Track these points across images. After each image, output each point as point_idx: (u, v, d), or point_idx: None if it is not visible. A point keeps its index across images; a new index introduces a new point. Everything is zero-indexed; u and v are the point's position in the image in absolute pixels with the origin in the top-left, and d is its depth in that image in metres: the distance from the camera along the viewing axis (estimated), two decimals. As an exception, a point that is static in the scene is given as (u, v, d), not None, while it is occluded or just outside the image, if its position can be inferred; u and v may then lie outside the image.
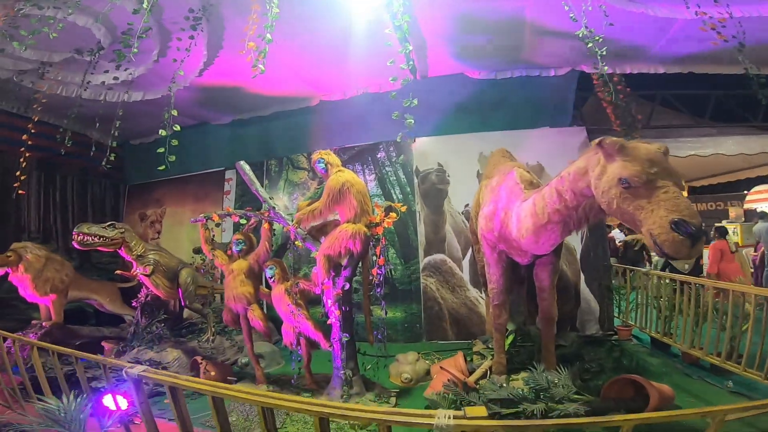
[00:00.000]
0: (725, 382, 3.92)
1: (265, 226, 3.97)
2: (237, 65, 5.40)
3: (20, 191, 4.72)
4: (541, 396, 3.38)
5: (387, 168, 6.20)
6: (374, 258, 3.69)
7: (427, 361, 4.74)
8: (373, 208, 3.78)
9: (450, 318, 5.91)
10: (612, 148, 2.47)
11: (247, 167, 4.05)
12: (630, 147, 2.45)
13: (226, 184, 7.14)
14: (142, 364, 2.05)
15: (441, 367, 4.08)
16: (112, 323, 6.00)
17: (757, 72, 4.64)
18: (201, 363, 4.15)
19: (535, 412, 3.17)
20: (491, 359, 4.30)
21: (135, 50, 3.53)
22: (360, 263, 3.81)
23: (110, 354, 4.77)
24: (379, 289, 3.70)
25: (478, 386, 3.74)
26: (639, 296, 5.56)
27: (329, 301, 3.66)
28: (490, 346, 4.89)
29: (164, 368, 4.34)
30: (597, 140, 2.52)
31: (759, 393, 3.65)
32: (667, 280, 5.01)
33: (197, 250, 6.41)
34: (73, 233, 4.34)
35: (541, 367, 3.65)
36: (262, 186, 6.78)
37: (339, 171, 3.75)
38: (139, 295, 5.21)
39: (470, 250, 5.94)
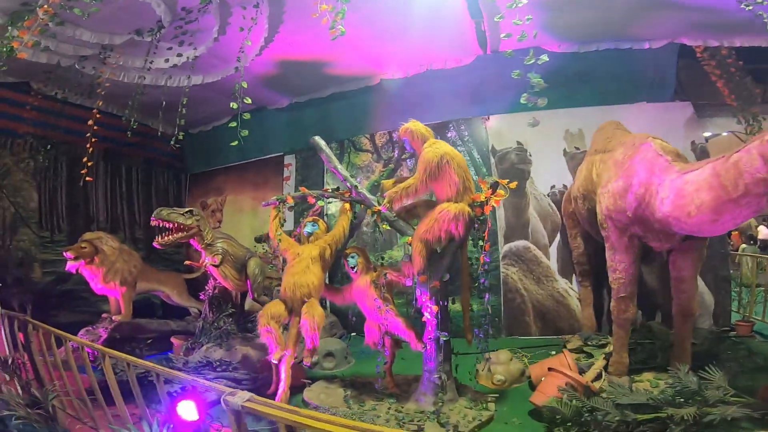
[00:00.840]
0: None
1: (345, 206, 3.39)
2: (297, 41, 4.93)
3: (88, 178, 4.44)
4: (689, 400, 2.72)
5: (459, 148, 5.51)
6: (479, 243, 3.05)
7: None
8: (476, 185, 3.13)
9: (534, 311, 5.18)
10: None
11: (322, 143, 3.50)
12: None
13: (286, 169, 6.74)
14: (242, 393, 1.47)
15: (550, 369, 3.42)
16: (178, 315, 5.71)
17: None
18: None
19: (685, 418, 2.55)
20: (603, 358, 3.61)
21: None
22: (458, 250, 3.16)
23: (179, 351, 4.41)
24: (483, 280, 3.06)
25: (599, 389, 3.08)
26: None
27: (425, 295, 3.05)
28: (592, 343, 4.21)
29: (234, 368, 3.91)
30: None
31: None
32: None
33: (260, 239, 6.01)
34: (152, 220, 3.88)
35: (686, 367, 2.95)
36: (326, 171, 6.39)
37: (434, 143, 3.13)
38: (207, 287, 4.81)
39: (558, 236, 5.16)
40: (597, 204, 3.36)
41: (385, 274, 3.28)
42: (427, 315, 3.06)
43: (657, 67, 5.05)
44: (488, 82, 5.30)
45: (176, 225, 3.96)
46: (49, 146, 5.66)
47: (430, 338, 3.12)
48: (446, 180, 3.02)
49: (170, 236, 3.96)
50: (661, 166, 2.80)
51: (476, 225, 3.05)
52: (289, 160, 6.73)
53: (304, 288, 3.25)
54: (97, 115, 4.59)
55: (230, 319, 4.63)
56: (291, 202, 3.54)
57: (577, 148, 5.11)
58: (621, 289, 3.26)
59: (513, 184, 3.02)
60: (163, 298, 5.78)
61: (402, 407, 3.26)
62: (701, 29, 4.73)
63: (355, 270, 3.34)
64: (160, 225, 3.92)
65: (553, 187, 5.24)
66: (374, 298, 3.23)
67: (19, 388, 2.59)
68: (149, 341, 4.30)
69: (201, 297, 4.84)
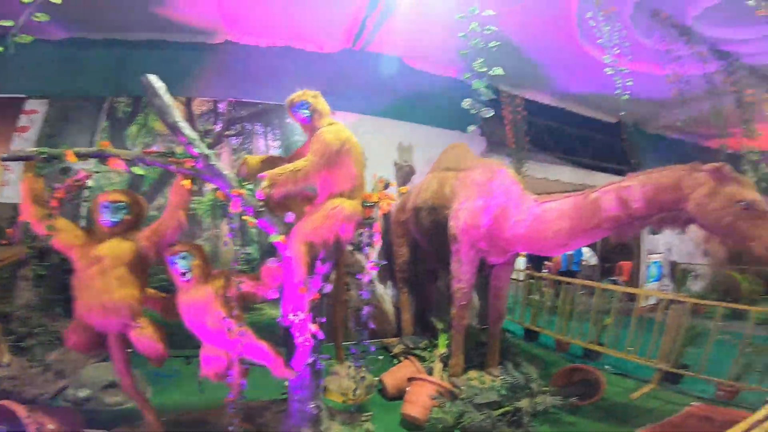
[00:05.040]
0: (604, 366, 4.25)
1: (183, 183, 2.18)
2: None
3: None
4: (517, 393, 3.07)
5: (298, 137, 4.77)
6: (366, 248, 2.53)
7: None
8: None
9: (354, 316, 4.91)
10: (730, 174, 2.45)
11: (160, 84, 2.18)
12: (740, 176, 2.48)
13: (24, 117, 4.25)
14: None
15: (412, 378, 3.29)
16: None
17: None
18: (29, 417, 2.02)
19: (526, 409, 2.90)
20: (439, 360, 3.67)
21: None
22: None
23: None
24: (366, 293, 2.54)
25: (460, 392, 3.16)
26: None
27: (300, 311, 2.27)
28: (415, 345, 4.28)
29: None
30: (714, 165, 2.43)
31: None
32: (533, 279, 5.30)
33: None
34: None
35: (509, 365, 3.32)
36: (103, 130, 4.38)
37: (334, 124, 2.44)
38: None
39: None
40: (451, 218, 3.37)
41: (239, 284, 2.27)
42: (302, 335, 2.27)
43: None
44: (346, 78, 4.91)
45: None
46: None
47: (303, 363, 2.35)
48: (343, 171, 2.38)
49: None
50: (517, 193, 3.05)
51: (364, 228, 2.51)
52: (35, 105, 4.30)
53: (124, 310, 2.00)
54: None
55: None
56: (73, 159, 2.02)
57: (405, 161, 5.21)
58: (463, 298, 3.40)
59: (404, 189, 2.67)
60: None
61: (265, 449, 2.36)
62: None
63: (186, 276, 2.17)
64: None
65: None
66: (221, 316, 2.18)
67: None
68: None
69: None
